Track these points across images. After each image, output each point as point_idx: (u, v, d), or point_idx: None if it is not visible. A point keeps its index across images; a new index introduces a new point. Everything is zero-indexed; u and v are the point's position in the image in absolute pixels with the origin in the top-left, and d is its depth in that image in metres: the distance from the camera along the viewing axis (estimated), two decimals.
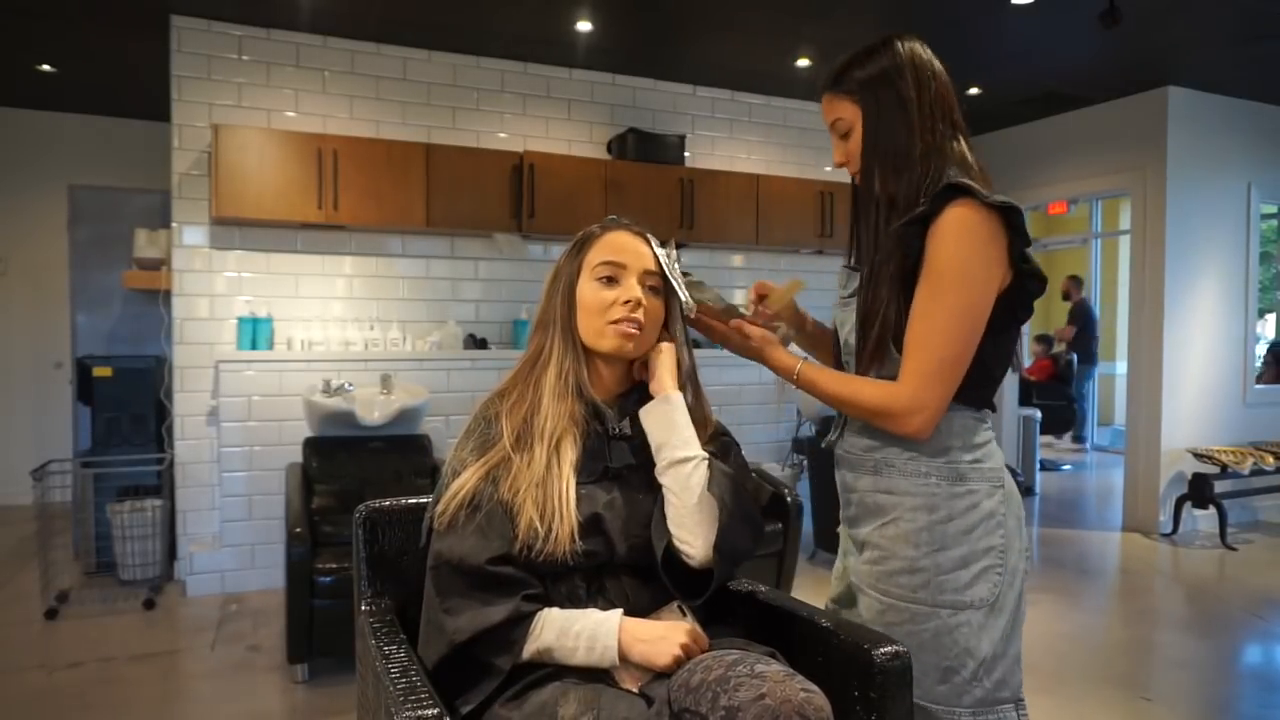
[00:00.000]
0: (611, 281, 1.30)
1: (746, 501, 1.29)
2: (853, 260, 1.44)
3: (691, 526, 1.24)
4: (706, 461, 1.27)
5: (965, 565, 1.27)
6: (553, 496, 1.20)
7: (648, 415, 1.30)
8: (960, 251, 1.22)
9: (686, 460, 1.26)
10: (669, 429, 1.28)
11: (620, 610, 1.19)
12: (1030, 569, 1.38)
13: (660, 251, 1.34)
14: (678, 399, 1.29)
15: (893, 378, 1.29)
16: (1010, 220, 1.23)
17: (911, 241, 1.25)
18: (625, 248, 1.32)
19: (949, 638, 1.26)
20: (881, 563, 1.32)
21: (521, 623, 1.17)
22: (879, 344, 1.29)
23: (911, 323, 1.25)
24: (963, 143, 1.32)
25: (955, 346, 1.23)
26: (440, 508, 1.23)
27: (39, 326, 5.84)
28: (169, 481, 4.06)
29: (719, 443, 1.37)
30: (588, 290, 1.30)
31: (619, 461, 1.29)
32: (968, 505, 1.28)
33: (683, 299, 1.34)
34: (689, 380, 1.36)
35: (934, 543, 1.28)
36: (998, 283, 1.25)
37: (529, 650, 1.17)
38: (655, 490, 1.29)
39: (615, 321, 1.28)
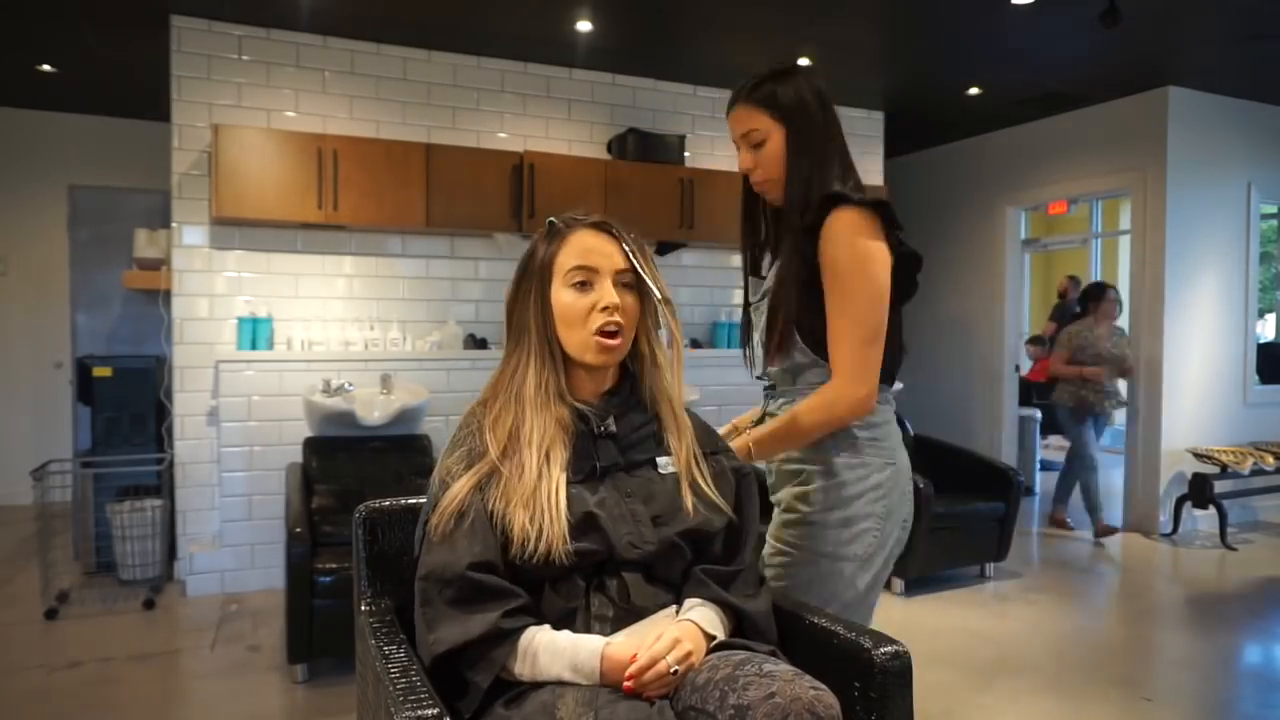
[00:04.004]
0: (585, 286, 1.27)
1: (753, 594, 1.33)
2: (763, 268, 1.65)
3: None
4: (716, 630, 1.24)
5: (848, 525, 1.49)
6: (542, 499, 1.19)
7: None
8: (852, 249, 1.43)
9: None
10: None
11: (604, 642, 1.16)
12: (904, 536, 1.57)
13: (630, 248, 1.31)
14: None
15: (805, 362, 1.52)
16: (883, 215, 1.45)
17: (805, 249, 1.47)
18: (594, 249, 1.29)
19: (820, 582, 1.50)
20: (783, 514, 1.56)
21: (501, 640, 1.16)
22: (785, 333, 1.51)
23: (830, 325, 1.46)
24: (852, 174, 1.53)
25: (870, 327, 1.44)
26: (434, 520, 1.22)
27: (39, 326, 5.84)
28: (169, 481, 4.06)
29: (725, 482, 1.36)
30: (564, 297, 1.28)
31: (607, 460, 1.28)
32: (860, 475, 1.50)
33: (655, 293, 1.31)
34: (670, 384, 1.36)
35: (826, 503, 1.50)
36: (888, 262, 1.46)
37: (514, 670, 1.17)
38: (645, 486, 1.29)
39: (597, 331, 1.26)
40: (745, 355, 1.70)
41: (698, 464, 1.32)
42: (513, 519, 1.19)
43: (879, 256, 1.44)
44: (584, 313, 1.27)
